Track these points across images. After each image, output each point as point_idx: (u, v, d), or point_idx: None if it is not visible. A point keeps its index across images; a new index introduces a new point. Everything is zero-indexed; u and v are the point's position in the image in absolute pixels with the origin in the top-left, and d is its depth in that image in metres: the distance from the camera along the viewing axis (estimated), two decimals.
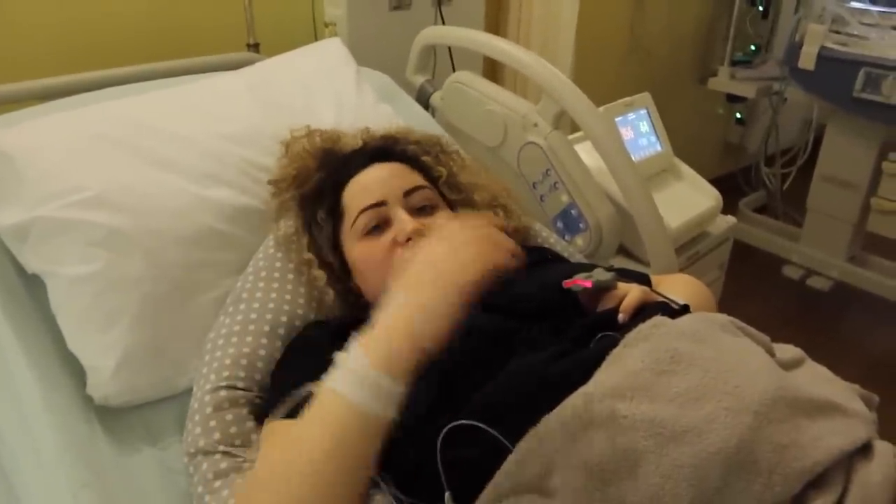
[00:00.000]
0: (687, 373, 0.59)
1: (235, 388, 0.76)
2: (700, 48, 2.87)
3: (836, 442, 0.58)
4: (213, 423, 0.74)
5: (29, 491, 0.71)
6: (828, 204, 2.34)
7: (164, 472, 0.78)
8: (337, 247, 0.89)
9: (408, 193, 0.86)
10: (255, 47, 1.60)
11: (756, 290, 2.55)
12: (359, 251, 0.85)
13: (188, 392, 0.81)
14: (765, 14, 2.76)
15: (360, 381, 0.57)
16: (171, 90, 1.07)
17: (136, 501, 0.74)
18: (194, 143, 0.96)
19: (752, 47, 2.80)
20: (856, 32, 2.12)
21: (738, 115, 3.04)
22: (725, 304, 2.46)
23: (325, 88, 1.16)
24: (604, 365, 0.61)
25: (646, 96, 1.50)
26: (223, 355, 0.79)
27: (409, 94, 1.47)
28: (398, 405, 0.58)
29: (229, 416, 0.74)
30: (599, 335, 0.68)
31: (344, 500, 0.58)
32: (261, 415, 0.74)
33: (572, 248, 1.20)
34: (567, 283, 0.76)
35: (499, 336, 0.71)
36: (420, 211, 0.85)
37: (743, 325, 0.73)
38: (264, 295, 0.85)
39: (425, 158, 0.96)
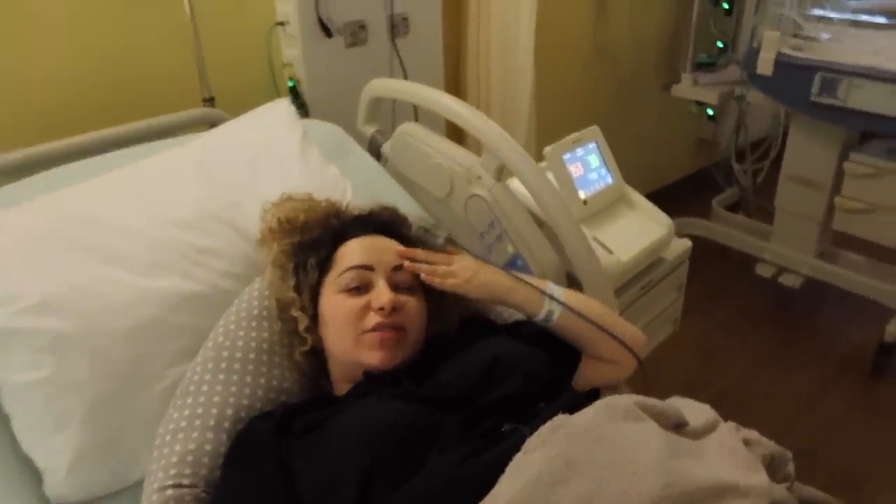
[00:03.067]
0: (579, 480, 0.64)
1: (181, 486, 0.81)
2: (665, 52, 2.89)
3: None
4: None
5: None
6: (794, 202, 2.38)
7: None
8: (315, 297, 0.94)
9: (396, 269, 0.93)
10: (210, 101, 1.63)
11: (730, 290, 2.60)
12: (334, 302, 0.91)
13: (142, 481, 0.85)
14: (729, 11, 2.78)
15: None
16: (116, 176, 1.10)
17: None
18: (139, 233, 1.00)
19: (720, 44, 2.82)
20: (811, 37, 2.14)
21: (710, 112, 3.06)
22: (700, 305, 2.54)
23: (270, 159, 1.19)
24: (506, 473, 0.66)
25: (594, 130, 1.52)
26: (170, 452, 0.83)
27: (363, 143, 1.50)
28: None
29: None
30: (506, 427, 0.72)
31: None
32: None
33: None
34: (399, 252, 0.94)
35: (418, 433, 0.75)
36: (400, 289, 0.92)
37: (651, 403, 0.77)
38: (210, 388, 0.89)
39: (421, 246, 1.02)
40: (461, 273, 0.97)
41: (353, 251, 0.94)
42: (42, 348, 0.86)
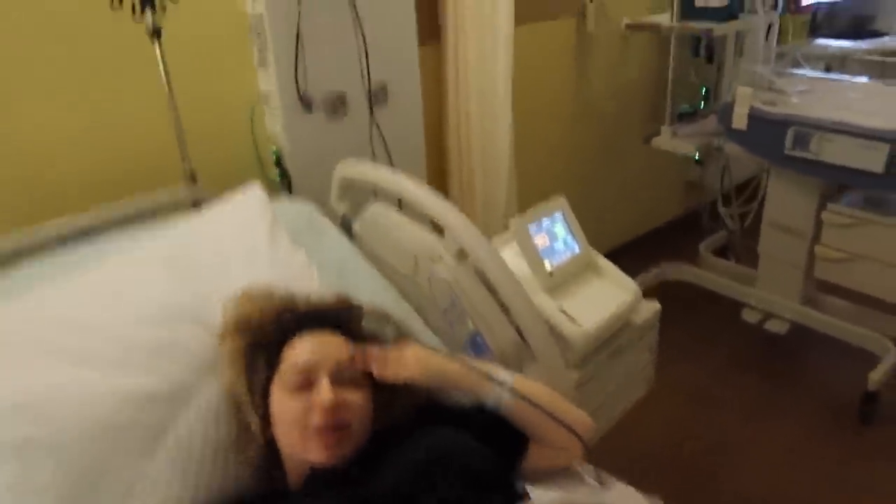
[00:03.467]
0: None
1: None
2: (649, 102, 2.95)
3: None
4: None
5: None
6: (777, 249, 2.41)
7: None
8: (266, 395, 0.98)
9: (340, 366, 0.97)
10: (192, 178, 1.70)
11: (718, 336, 2.62)
12: (279, 403, 0.95)
13: None
14: (710, 59, 2.84)
15: None
16: (88, 276, 1.16)
17: None
18: (104, 332, 1.04)
19: (704, 90, 2.88)
20: (784, 91, 2.19)
21: (696, 157, 3.10)
22: (689, 351, 2.57)
23: (238, 248, 1.25)
24: None
25: (560, 200, 1.57)
26: None
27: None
28: None
29: None
30: None
31: None
32: None
33: None
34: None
35: None
36: (345, 384, 0.96)
37: None
38: (167, 487, 0.94)
39: (368, 340, 1.05)
40: (412, 364, 1.01)
41: (298, 350, 0.98)
42: (7, 456, 0.91)
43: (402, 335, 1.13)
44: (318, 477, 0.92)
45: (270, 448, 0.98)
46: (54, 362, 1.00)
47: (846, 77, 2.30)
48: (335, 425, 0.91)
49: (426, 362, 1.02)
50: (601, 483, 1.10)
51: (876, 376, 2.11)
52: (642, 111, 2.96)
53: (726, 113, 2.24)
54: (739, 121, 2.19)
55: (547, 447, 1.03)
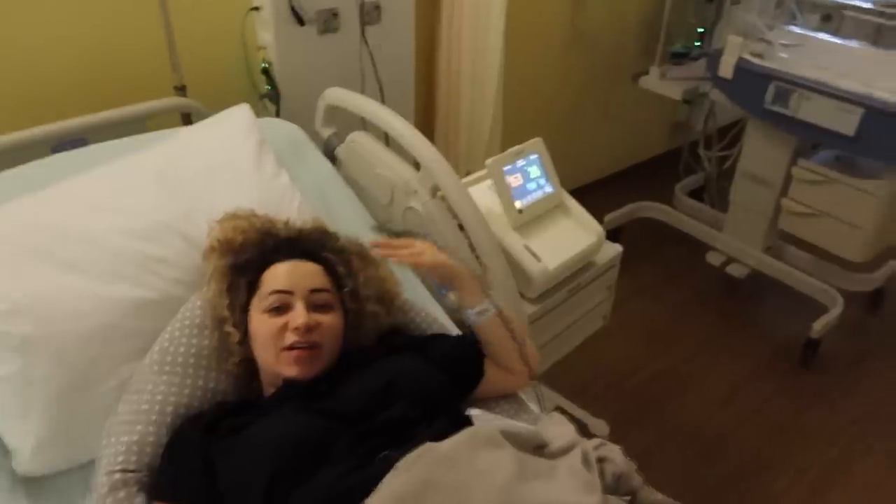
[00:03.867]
0: (433, 499, 0.79)
1: (127, 470, 0.97)
2: (643, 38, 2.94)
3: None
4: (108, 501, 0.94)
5: None
6: (747, 198, 2.49)
7: None
8: (246, 313, 1.09)
9: (313, 292, 1.07)
10: (182, 90, 1.73)
11: (681, 276, 2.75)
12: (258, 322, 1.06)
13: (94, 461, 1.01)
14: None
15: None
16: (79, 184, 1.22)
17: None
18: (97, 242, 1.13)
19: (700, 31, 2.87)
20: (771, 44, 2.21)
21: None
22: (652, 288, 2.71)
23: (225, 168, 1.31)
24: (377, 489, 0.82)
25: (538, 142, 1.63)
26: (117, 442, 0.99)
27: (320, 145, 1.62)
28: None
29: (121, 494, 0.95)
30: (383, 454, 0.88)
31: None
32: (150, 491, 0.96)
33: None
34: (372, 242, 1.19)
35: (314, 447, 0.91)
36: (317, 308, 1.06)
37: (515, 430, 0.93)
38: (155, 387, 1.04)
39: (340, 268, 1.15)
40: (429, 254, 1.16)
41: (276, 276, 1.07)
42: (11, 348, 1.01)
43: (374, 262, 1.22)
44: (289, 389, 1.03)
45: (248, 361, 1.09)
46: (48, 268, 1.09)
47: (837, 39, 2.32)
48: (307, 345, 1.01)
49: (441, 256, 1.16)
50: (541, 407, 1.23)
51: (819, 325, 2.25)
52: (636, 46, 2.95)
53: (715, 60, 2.26)
54: (726, 69, 2.23)
55: (500, 374, 1.15)
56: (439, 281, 1.20)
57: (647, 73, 2.57)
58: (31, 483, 1.03)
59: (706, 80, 2.44)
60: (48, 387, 1.02)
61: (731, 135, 2.81)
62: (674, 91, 2.49)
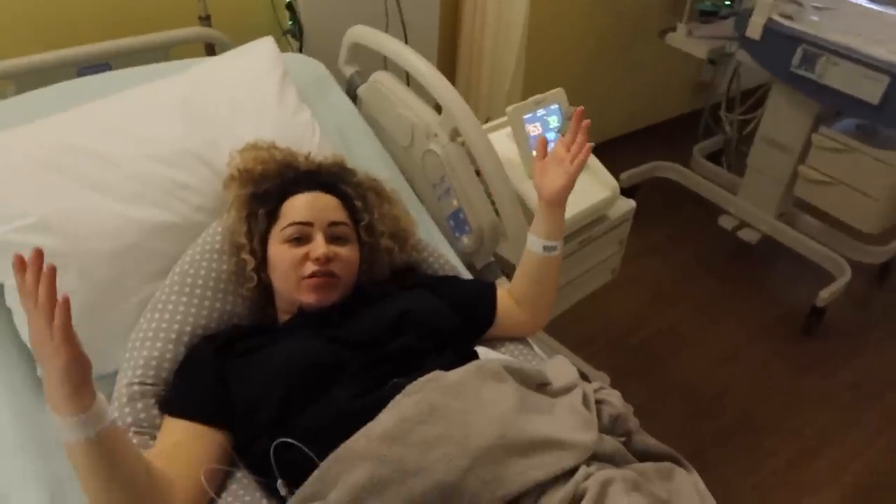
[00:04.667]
0: (436, 423, 0.84)
1: (145, 384, 1.02)
2: None
3: (534, 475, 0.83)
4: (127, 410, 1.00)
5: None
6: (765, 163, 2.49)
7: None
8: (264, 241, 1.12)
9: (332, 224, 1.10)
10: (206, 20, 1.73)
11: (691, 236, 2.76)
12: (277, 250, 1.09)
13: (114, 373, 1.06)
14: None
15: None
16: (107, 106, 1.24)
17: (66, 461, 1.01)
18: (123, 164, 1.16)
19: None
20: (802, 5, 2.17)
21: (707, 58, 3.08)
22: (661, 247, 2.73)
23: (249, 99, 1.33)
24: (386, 408, 0.86)
25: (559, 92, 1.63)
26: (137, 356, 1.04)
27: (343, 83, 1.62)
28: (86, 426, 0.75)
29: (139, 405, 1.00)
30: (393, 381, 0.92)
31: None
32: (162, 405, 1.01)
33: (460, 245, 1.43)
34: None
35: (326, 370, 0.95)
36: (335, 240, 1.10)
37: (517, 366, 0.96)
38: (175, 307, 1.08)
39: (357, 203, 1.18)
40: (569, 182, 1.15)
41: (297, 207, 1.10)
42: None
43: (390, 199, 1.24)
44: (304, 316, 1.07)
45: (264, 288, 1.12)
46: (76, 187, 1.12)
47: (872, 4, 2.27)
48: (325, 273, 1.05)
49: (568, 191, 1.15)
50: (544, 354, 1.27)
51: (826, 294, 2.27)
52: (663, 2, 2.90)
53: (743, 19, 2.23)
54: (754, 30, 2.19)
55: (516, 315, 1.21)
56: (550, 201, 1.16)
57: (673, 29, 2.53)
58: None
59: (733, 40, 2.40)
60: (74, 301, 1.04)
61: (753, 98, 2.78)
62: (700, 50, 2.45)
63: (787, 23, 2.13)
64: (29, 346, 1.06)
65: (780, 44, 2.14)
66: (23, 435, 0.99)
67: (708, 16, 2.63)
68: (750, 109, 2.82)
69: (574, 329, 2.20)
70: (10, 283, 1.07)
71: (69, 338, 0.73)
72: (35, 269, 0.73)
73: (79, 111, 1.23)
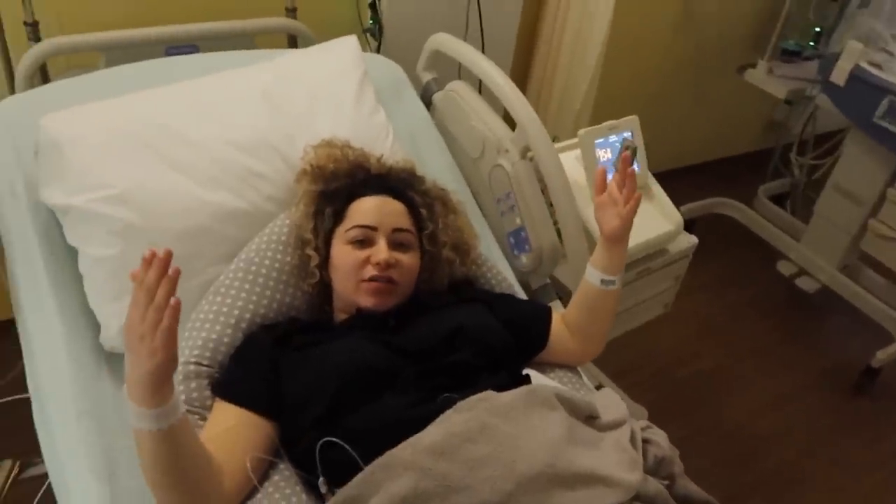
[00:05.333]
0: (485, 443, 0.83)
1: (201, 364, 1.04)
2: (757, 28, 2.82)
3: None
4: (181, 388, 1.02)
5: (50, 410, 1.02)
6: (833, 211, 2.42)
7: None
8: (328, 240, 1.14)
9: (395, 231, 1.11)
10: (292, 12, 1.76)
11: (746, 278, 2.70)
12: (340, 251, 1.11)
13: None
14: None
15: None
16: (191, 88, 1.28)
17: (125, 430, 1.02)
18: (205, 148, 1.18)
19: (818, 30, 2.73)
20: (895, 55, 2.10)
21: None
22: (714, 285, 2.67)
23: (328, 97, 1.34)
24: (436, 422, 0.86)
25: (633, 120, 1.61)
26: (197, 336, 1.06)
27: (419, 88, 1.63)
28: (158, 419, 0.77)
29: (193, 385, 1.02)
30: (445, 395, 0.92)
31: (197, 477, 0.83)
32: (212, 388, 1.03)
33: (518, 264, 1.42)
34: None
35: (380, 374, 0.96)
36: (398, 246, 1.11)
37: (568, 396, 0.95)
38: (237, 293, 1.10)
39: (423, 211, 1.19)
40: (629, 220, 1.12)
41: (363, 210, 1.11)
42: (114, 232, 1.08)
43: (455, 210, 1.24)
44: (360, 319, 1.08)
45: (324, 285, 1.14)
46: (157, 164, 1.15)
47: None
48: (385, 279, 1.06)
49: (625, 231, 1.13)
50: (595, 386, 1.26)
51: (883, 355, 2.19)
52: (745, 37, 2.85)
53: (828, 63, 2.17)
54: (839, 75, 2.13)
55: (568, 344, 1.19)
56: (610, 238, 1.13)
57: (753, 65, 2.48)
58: (113, 359, 1.12)
59: (815, 82, 2.34)
60: None
61: (828, 144, 2.70)
62: (778, 89, 2.40)
63: (875, 72, 2.07)
64: (95, 312, 1.11)
65: (865, 92, 2.08)
66: (81, 405, 1.01)
67: (791, 55, 2.58)
68: (822, 155, 2.75)
69: (615, 356, 2.14)
70: (87, 249, 1.10)
71: (171, 341, 0.75)
72: (160, 267, 0.75)
73: (167, 90, 1.26)
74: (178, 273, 0.75)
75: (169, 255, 0.75)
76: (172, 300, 0.74)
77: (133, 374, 0.75)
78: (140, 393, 0.75)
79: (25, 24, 1.50)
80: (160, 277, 0.75)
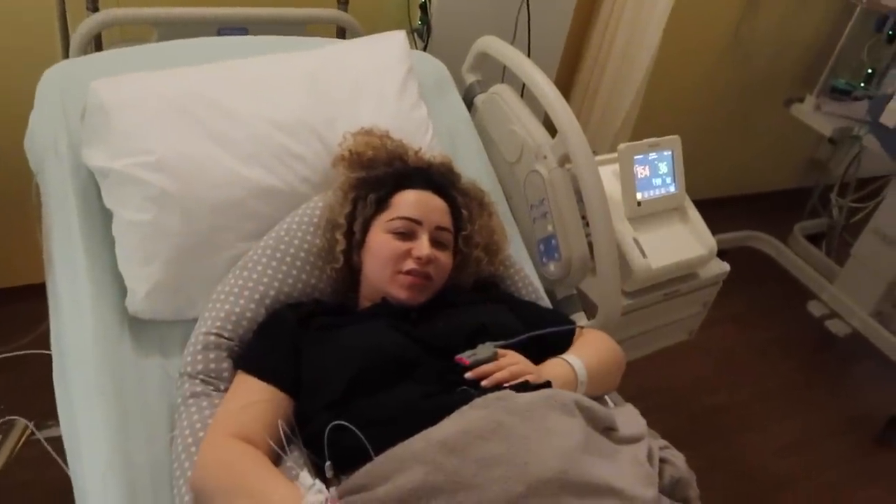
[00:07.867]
0: (498, 442, 0.81)
1: (222, 336, 1.04)
2: (808, 63, 2.79)
3: None
4: (199, 357, 1.02)
5: (69, 366, 1.03)
6: (870, 256, 2.37)
7: (163, 376, 1.07)
8: (367, 226, 1.13)
9: (438, 229, 1.11)
10: (344, 4, 1.78)
11: (774, 315, 2.64)
12: (381, 240, 1.10)
13: (195, 320, 1.09)
14: (891, 39, 2.63)
15: None
16: (239, 66, 1.29)
17: (140, 394, 1.04)
18: (246, 123, 1.19)
19: (870, 70, 2.69)
20: None
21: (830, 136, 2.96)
22: (740, 319, 2.61)
23: (372, 87, 1.35)
24: (451, 416, 0.85)
25: (675, 139, 1.59)
26: (220, 308, 1.06)
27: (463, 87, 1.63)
28: None
29: (212, 356, 1.02)
30: (463, 388, 0.90)
31: None
32: (235, 361, 1.03)
33: (546, 271, 1.41)
34: (457, 358, 0.97)
35: (399, 363, 0.95)
36: (437, 244, 1.10)
37: (588, 404, 0.93)
38: (264, 269, 1.10)
39: (463, 211, 1.19)
40: (523, 364, 1.00)
41: (410, 202, 1.11)
42: (149, 198, 1.09)
43: (490, 210, 1.23)
44: (386, 307, 1.07)
45: (350, 271, 1.13)
46: (197, 135, 1.16)
47: None
48: (423, 274, 1.06)
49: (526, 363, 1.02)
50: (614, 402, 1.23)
51: None
52: (795, 70, 2.81)
53: (879, 105, 2.13)
54: (890, 117, 2.09)
55: None
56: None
57: (801, 100, 2.44)
58: (136, 323, 1.12)
59: (863, 123, 2.30)
60: (173, 241, 1.10)
61: (871, 188, 2.65)
62: (825, 126, 2.36)
63: None
64: (123, 275, 1.12)
65: None
66: (101, 364, 1.02)
67: (840, 94, 2.53)
68: (864, 198, 2.69)
69: (632, 379, 2.10)
70: (122, 212, 1.11)
71: None
72: None
73: (215, 66, 1.27)
74: None
75: None
76: None
77: None
78: None
79: None
80: None
